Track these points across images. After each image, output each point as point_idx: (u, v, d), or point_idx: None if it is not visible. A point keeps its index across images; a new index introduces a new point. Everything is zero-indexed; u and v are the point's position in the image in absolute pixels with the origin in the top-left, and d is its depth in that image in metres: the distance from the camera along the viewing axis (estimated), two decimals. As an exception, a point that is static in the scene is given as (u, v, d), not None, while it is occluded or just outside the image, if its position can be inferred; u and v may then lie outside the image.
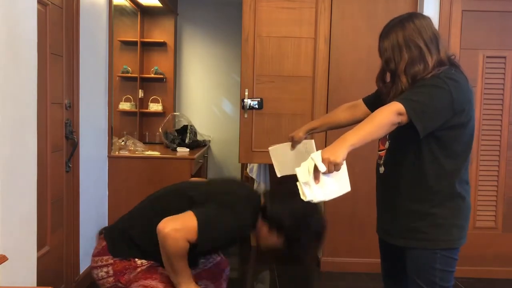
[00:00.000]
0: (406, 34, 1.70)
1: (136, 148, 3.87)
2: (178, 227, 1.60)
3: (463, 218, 1.76)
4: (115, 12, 3.81)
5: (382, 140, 1.87)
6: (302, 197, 1.53)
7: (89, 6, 3.10)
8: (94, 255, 1.80)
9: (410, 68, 1.69)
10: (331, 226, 3.62)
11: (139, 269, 1.70)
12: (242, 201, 1.74)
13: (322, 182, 1.53)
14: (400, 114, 1.59)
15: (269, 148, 2.29)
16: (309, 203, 1.56)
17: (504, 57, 3.47)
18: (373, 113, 1.62)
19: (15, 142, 1.92)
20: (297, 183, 1.53)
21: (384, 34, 1.78)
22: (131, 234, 1.79)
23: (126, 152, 3.77)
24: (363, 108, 2.10)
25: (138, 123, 5.20)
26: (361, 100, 2.12)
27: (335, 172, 1.53)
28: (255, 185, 4.25)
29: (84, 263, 3.18)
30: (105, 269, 1.73)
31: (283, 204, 1.75)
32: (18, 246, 1.97)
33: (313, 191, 1.53)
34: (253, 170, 4.22)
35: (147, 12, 5.19)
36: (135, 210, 1.89)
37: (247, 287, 3.53)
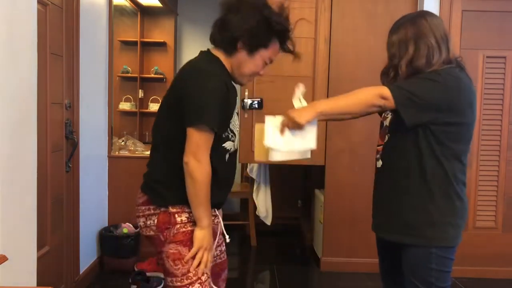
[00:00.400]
0: (417, 30, 1.71)
1: (136, 148, 3.87)
2: (193, 151, 1.62)
3: (459, 217, 1.76)
4: (115, 12, 3.82)
5: (381, 135, 1.88)
6: (264, 141, 1.69)
7: (89, 6, 3.10)
8: (139, 205, 1.82)
9: (414, 62, 1.70)
10: (331, 226, 3.63)
11: (178, 226, 1.72)
12: (206, 69, 1.70)
13: (287, 135, 1.68)
14: (383, 97, 1.62)
15: (256, 125, 2.27)
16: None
17: (504, 57, 3.48)
18: (357, 89, 1.66)
19: (15, 142, 1.92)
20: (264, 128, 1.69)
21: (394, 29, 1.79)
22: (156, 178, 1.81)
23: (126, 152, 3.77)
24: None
25: (138, 123, 5.20)
26: None
27: (302, 131, 1.67)
28: (255, 185, 4.25)
29: (84, 263, 3.18)
30: (153, 218, 1.76)
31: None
32: (18, 246, 1.97)
33: (275, 139, 1.68)
34: (253, 170, 4.22)
35: (147, 12, 5.19)
36: (151, 152, 1.89)
37: (247, 287, 3.53)
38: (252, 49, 1.72)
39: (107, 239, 3.44)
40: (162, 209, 1.75)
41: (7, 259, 1.68)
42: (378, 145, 1.89)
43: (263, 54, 1.76)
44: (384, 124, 1.87)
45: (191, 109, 1.64)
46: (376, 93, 1.64)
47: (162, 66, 5.30)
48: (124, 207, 3.55)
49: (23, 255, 2.02)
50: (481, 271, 3.56)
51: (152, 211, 1.78)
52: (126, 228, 3.50)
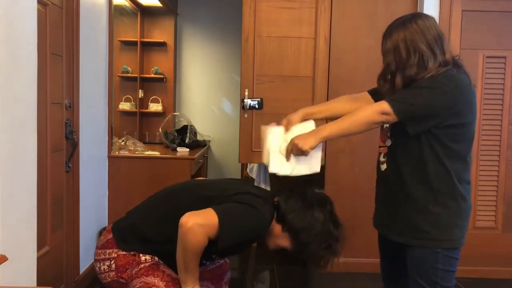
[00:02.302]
0: (408, 36, 1.69)
1: (136, 148, 3.87)
2: (201, 222, 1.59)
3: (465, 218, 1.77)
4: (115, 12, 3.82)
5: (382, 137, 1.87)
6: (268, 168, 1.71)
7: (89, 6, 3.10)
8: (98, 247, 1.79)
9: (408, 70, 1.69)
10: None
11: (142, 265, 1.69)
12: (261, 200, 1.73)
13: (292, 160, 1.70)
14: (384, 113, 1.64)
15: (262, 127, 2.27)
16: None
17: (504, 57, 3.47)
18: (357, 109, 1.67)
19: (15, 142, 1.92)
20: (270, 154, 1.71)
21: (387, 34, 1.77)
22: (140, 229, 1.78)
23: (126, 152, 3.77)
24: (366, 101, 2.08)
25: (138, 123, 5.20)
26: (364, 93, 2.09)
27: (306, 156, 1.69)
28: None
29: (84, 263, 3.18)
30: (107, 263, 1.72)
31: (302, 212, 1.76)
32: (18, 246, 1.97)
33: (282, 165, 1.71)
34: (253, 170, 4.21)
35: (147, 12, 5.19)
36: (144, 205, 1.87)
37: (247, 287, 3.53)
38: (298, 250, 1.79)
39: (103, 231, 3.43)
40: (121, 252, 1.72)
41: (7, 259, 1.68)
42: (380, 147, 1.89)
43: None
44: (384, 126, 1.87)
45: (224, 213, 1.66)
46: (376, 111, 1.65)
47: (162, 66, 5.30)
48: (124, 207, 3.53)
49: (23, 255, 2.02)
50: (481, 271, 3.56)
51: (107, 256, 1.74)
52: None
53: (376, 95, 2.06)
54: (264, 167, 4.26)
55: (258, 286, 3.61)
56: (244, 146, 3.47)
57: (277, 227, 1.79)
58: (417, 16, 1.75)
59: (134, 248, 1.73)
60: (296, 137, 1.69)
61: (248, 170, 4.29)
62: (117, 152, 3.74)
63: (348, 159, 3.54)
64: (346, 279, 3.50)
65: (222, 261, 1.98)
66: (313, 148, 1.66)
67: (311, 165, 1.73)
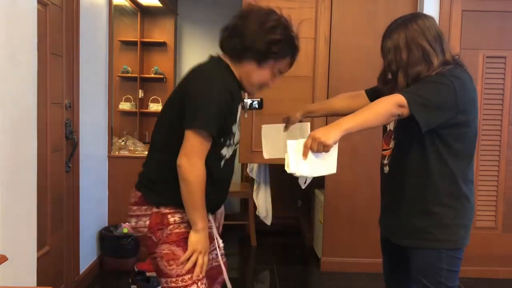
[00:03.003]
0: (409, 35, 1.70)
1: (136, 148, 3.87)
2: (188, 153, 1.61)
3: (468, 218, 1.77)
4: (115, 12, 3.82)
5: (386, 139, 1.87)
6: (286, 168, 1.58)
7: (89, 6, 3.10)
8: (132, 204, 1.80)
9: (411, 69, 1.69)
10: (331, 226, 3.63)
11: (171, 227, 1.71)
12: (212, 74, 1.69)
13: (310, 159, 1.57)
14: (400, 106, 1.59)
15: (262, 126, 2.26)
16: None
17: (504, 57, 3.47)
18: (373, 102, 1.63)
19: (15, 142, 1.93)
20: (285, 153, 1.58)
21: (387, 35, 1.77)
22: (151, 177, 1.78)
23: (126, 152, 3.77)
24: (364, 99, 2.09)
25: (138, 123, 5.20)
26: (362, 91, 2.11)
27: (324, 153, 1.57)
28: (255, 185, 4.25)
29: (84, 263, 3.18)
30: (144, 219, 1.74)
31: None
32: (18, 246, 1.97)
33: (299, 166, 1.58)
34: (253, 170, 4.21)
35: (147, 12, 5.19)
36: (149, 152, 1.88)
37: (247, 287, 3.53)
38: (261, 60, 1.69)
39: (107, 239, 3.44)
40: (154, 209, 1.73)
41: (7, 259, 1.68)
42: (383, 150, 1.88)
43: (273, 65, 1.72)
44: (388, 128, 1.86)
45: (191, 112, 1.63)
46: (393, 102, 1.59)
47: (162, 66, 5.30)
48: (124, 207, 3.49)
49: (23, 255, 2.02)
50: (481, 271, 3.56)
51: (143, 212, 1.76)
52: (126, 228, 3.49)
53: (372, 95, 2.06)
54: (264, 167, 4.26)
55: (258, 286, 3.61)
56: (244, 146, 3.47)
57: (241, 67, 1.72)
58: (416, 16, 1.75)
59: (157, 202, 1.73)
60: (316, 131, 1.56)
61: (248, 170, 4.29)
62: (117, 152, 3.74)
63: (348, 159, 3.54)
64: (346, 279, 3.50)
65: (221, 262, 1.98)
66: (336, 141, 1.55)
67: (328, 165, 1.61)
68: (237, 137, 1.84)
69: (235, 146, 1.83)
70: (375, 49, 1.84)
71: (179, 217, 1.73)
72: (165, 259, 1.70)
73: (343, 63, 3.51)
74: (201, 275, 1.71)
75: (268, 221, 4.28)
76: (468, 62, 3.66)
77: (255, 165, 4.20)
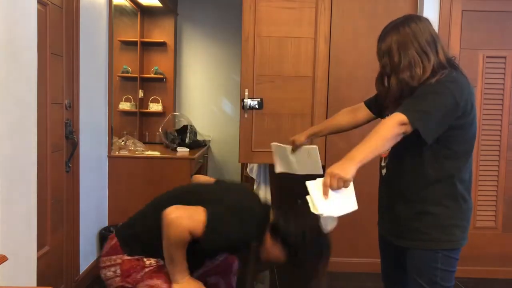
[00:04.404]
0: (400, 39, 1.70)
1: (136, 148, 3.87)
2: (184, 216, 1.60)
3: (465, 219, 1.77)
4: (115, 12, 3.81)
5: None
6: (313, 210, 1.54)
7: (89, 6, 3.10)
8: (103, 255, 1.80)
9: (402, 72, 1.69)
10: (331, 226, 3.62)
11: (146, 269, 1.70)
12: (253, 214, 1.73)
13: (331, 198, 1.54)
14: (403, 124, 1.59)
15: (272, 144, 2.28)
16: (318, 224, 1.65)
17: (504, 57, 3.47)
18: (377, 127, 1.61)
19: (15, 142, 1.93)
20: (307, 196, 1.54)
21: (381, 37, 1.78)
22: (139, 233, 1.79)
23: (126, 152, 3.77)
24: (365, 111, 2.11)
25: (138, 123, 5.20)
26: (362, 103, 2.13)
27: (343, 189, 1.54)
28: (255, 185, 4.25)
29: (84, 263, 3.18)
30: (112, 269, 1.73)
31: (295, 223, 1.76)
32: (18, 246, 1.97)
33: (324, 206, 1.54)
34: (253, 170, 4.21)
35: (147, 12, 5.19)
36: (147, 211, 1.88)
37: (247, 287, 3.52)
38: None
39: (107, 239, 3.44)
40: (127, 257, 1.73)
41: (7, 259, 1.68)
42: None
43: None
44: None
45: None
46: (396, 123, 1.59)
47: (162, 66, 5.30)
48: (124, 207, 3.55)
49: (23, 255, 2.02)
50: (481, 271, 3.56)
51: (112, 262, 1.75)
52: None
53: (371, 106, 2.07)
54: (264, 167, 4.26)
55: (258, 286, 3.61)
56: (244, 146, 3.47)
57: (269, 240, 1.78)
58: (410, 19, 1.75)
59: (138, 253, 1.73)
60: (332, 168, 1.53)
61: (248, 170, 4.28)
62: (117, 152, 3.74)
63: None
64: (346, 279, 3.50)
65: (218, 261, 1.98)
66: (354, 175, 1.53)
67: (349, 201, 1.58)
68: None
69: None
70: (375, 49, 1.84)
71: (155, 261, 1.73)
72: None
73: (343, 63, 3.51)
74: None
75: (268, 221, 4.27)
76: (468, 62, 3.67)
77: (255, 165, 4.20)
